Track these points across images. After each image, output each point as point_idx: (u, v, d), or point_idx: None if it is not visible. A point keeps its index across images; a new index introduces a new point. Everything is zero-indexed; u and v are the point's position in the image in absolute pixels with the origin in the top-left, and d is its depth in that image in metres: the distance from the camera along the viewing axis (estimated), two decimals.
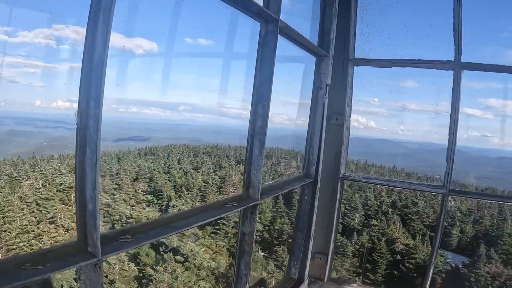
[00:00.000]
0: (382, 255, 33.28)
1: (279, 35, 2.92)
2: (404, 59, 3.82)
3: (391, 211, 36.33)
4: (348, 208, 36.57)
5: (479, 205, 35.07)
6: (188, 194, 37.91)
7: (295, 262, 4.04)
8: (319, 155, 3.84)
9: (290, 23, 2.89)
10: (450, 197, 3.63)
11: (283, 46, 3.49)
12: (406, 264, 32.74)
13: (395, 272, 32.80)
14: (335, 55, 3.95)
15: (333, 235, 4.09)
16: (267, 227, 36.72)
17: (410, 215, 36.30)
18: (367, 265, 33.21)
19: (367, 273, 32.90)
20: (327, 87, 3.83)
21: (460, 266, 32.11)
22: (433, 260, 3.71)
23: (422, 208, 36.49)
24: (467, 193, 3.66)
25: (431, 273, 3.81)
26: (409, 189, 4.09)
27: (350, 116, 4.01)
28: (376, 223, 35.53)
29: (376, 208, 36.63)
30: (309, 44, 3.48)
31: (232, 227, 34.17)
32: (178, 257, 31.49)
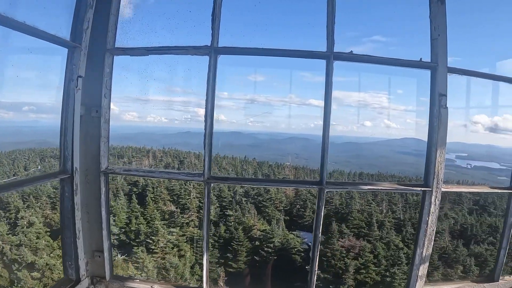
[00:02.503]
0: (241, 243, 34.66)
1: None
2: (159, 46, 3.82)
3: (245, 200, 38.08)
4: (203, 201, 36.99)
5: None
6: (37, 203, 35.18)
7: (70, 262, 3.85)
8: (73, 149, 3.67)
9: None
10: (212, 184, 3.74)
11: None
12: (266, 249, 34.69)
13: (256, 257, 34.50)
14: (95, 45, 3.80)
15: (105, 232, 3.95)
16: (123, 229, 35.39)
17: (263, 202, 38.55)
18: (228, 254, 34.30)
19: (229, 262, 33.97)
20: (79, 79, 3.67)
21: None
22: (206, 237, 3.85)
23: (275, 195, 39.11)
24: (227, 179, 3.86)
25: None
26: (168, 178, 4.14)
27: (109, 108, 3.92)
28: (231, 213, 36.82)
29: (230, 199, 37.98)
30: (46, 35, 3.25)
31: None
32: (34, 274, 29.07)
